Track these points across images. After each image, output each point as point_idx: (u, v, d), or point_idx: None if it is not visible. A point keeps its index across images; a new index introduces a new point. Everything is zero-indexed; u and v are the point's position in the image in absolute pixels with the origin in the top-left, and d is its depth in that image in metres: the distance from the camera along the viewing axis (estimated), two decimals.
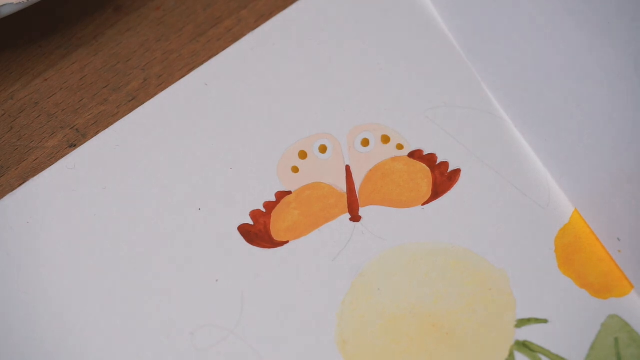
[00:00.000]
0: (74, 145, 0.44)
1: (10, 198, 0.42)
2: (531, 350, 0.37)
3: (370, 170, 0.42)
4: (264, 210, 0.41)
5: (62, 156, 0.43)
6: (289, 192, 0.42)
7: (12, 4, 0.43)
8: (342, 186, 0.42)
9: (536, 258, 0.39)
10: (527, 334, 0.38)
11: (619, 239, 0.39)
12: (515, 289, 0.39)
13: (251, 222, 0.41)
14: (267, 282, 0.39)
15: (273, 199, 0.42)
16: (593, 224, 0.40)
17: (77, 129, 0.44)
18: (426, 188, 0.42)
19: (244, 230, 0.41)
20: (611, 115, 0.42)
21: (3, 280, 0.39)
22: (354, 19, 0.47)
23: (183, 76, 0.46)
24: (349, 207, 0.41)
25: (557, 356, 0.37)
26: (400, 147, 0.43)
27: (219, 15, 0.48)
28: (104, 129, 0.44)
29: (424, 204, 0.41)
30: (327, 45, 0.46)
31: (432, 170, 0.42)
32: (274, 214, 0.41)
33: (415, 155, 0.43)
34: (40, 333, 0.38)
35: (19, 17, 0.47)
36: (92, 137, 0.44)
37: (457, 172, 0.42)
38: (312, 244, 0.40)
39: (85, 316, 0.39)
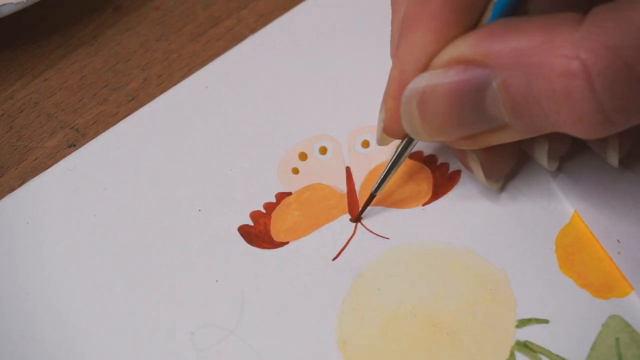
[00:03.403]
0: (73, 145, 0.44)
1: (10, 198, 0.42)
2: (532, 350, 0.37)
3: (371, 171, 0.42)
4: (264, 211, 0.41)
5: (62, 156, 0.43)
6: (289, 193, 0.42)
7: (12, 3, 0.43)
8: (343, 187, 0.42)
9: (537, 258, 0.39)
10: (528, 334, 0.38)
11: (618, 241, 0.39)
12: (516, 289, 0.39)
13: (251, 223, 0.41)
14: (267, 282, 0.39)
15: (273, 200, 0.42)
16: (592, 226, 0.40)
17: (76, 129, 0.44)
18: (426, 189, 0.42)
19: (244, 231, 0.41)
20: None
21: (3, 280, 0.39)
22: (355, 22, 0.47)
23: (183, 76, 0.46)
24: (349, 208, 0.41)
25: (557, 356, 0.37)
26: None
27: (219, 15, 0.48)
28: (104, 129, 0.44)
29: (424, 205, 0.41)
30: (327, 48, 0.46)
31: (433, 172, 0.42)
32: (274, 214, 0.41)
33: (416, 156, 0.43)
34: (40, 333, 0.38)
35: (19, 17, 0.47)
36: (91, 137, 0.44)
37: (457, 173, 0.42)
38: (312, 244, 0.40)
39: (85, 316, 0.39)
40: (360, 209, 0.41)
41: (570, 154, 0.41)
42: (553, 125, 0.33)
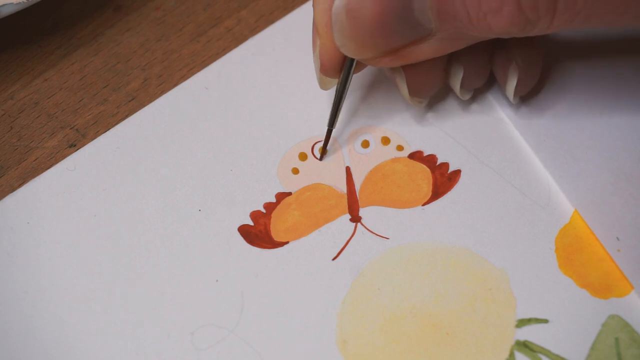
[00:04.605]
0: (73, 145, 0.44)
1: (10, 198, 0.42)
2: (531, 350, 0.37)
3: (371, 171, 0.42)
4: (264, 211, 0.41)
5: (62, 156, 0.43)
6: (289, 193, 0.42)
7: (12, 4, 0.43)
8: (342, 187, 0.42)
9: (536, 258, 0.39)
10: (528, 333, 0.38)
11: (618, 238, 0.39)
12: (516, 289, 0.39)
13: (251, 223, 0.41)
14: (267, 282, 0.39)
15: (273, 200, 0.42)
16: (592, 224, 0.40)
17: (77, 129, 0.44)
18: (426, 189, 0.42)
19: (244, 231, 0.41)
20: (611, 115, 0.42)
21: (3, 280, 0.39)
22: None
23: (183, 76, 0.46)
24: (349, 208, 0.41)
25: (557, 356, 0.37)
26: (400, 148, 0.43)
27: (219, 15, 0.48)
28: (104, 129, 0.44)
29: (424, 205, 0.41)
30: None
31: (433, 171, 0.42)
32: (274, 214, 0.41)
33: (416, 156, 0.43)
34: (40, 333, 0.38)
35: (19, 17, 0.47)
36: (92, 137, 0.44)
37: (457, 172, 0.42)
38: (312, 244, 0.40)
39: (85, 316, 0.39)
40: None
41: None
42: (474, 24, 0.35)
